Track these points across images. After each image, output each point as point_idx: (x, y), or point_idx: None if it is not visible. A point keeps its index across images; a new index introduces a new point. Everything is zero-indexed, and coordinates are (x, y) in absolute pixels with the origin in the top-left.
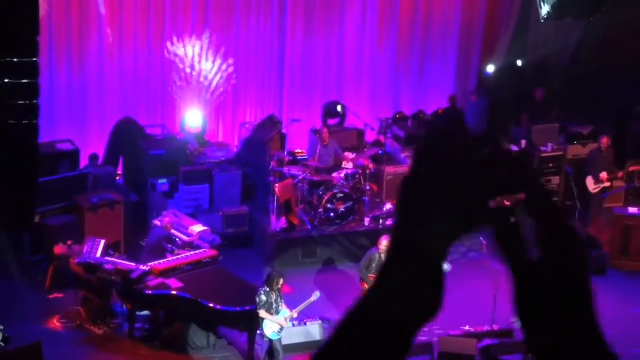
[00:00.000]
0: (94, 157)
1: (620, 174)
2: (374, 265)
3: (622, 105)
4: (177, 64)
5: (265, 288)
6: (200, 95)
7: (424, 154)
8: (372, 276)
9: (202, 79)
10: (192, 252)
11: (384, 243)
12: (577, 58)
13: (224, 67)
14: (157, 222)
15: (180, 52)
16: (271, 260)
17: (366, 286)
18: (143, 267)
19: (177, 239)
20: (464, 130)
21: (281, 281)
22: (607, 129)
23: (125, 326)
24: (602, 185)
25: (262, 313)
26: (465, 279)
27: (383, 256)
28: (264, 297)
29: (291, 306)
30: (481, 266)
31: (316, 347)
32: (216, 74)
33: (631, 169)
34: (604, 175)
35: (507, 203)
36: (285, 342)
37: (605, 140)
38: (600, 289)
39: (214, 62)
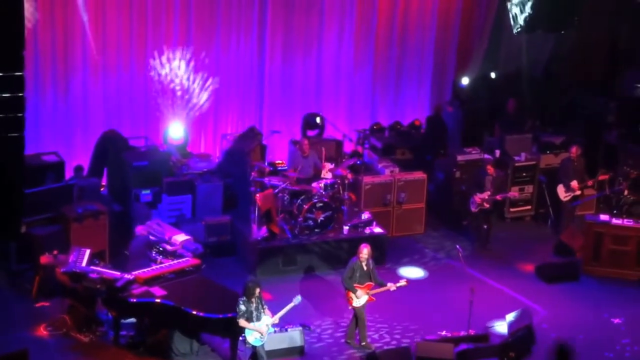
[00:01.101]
0: (78, 169)
1: (590, 182)
2: (357, 274)
3: (594, 115)
4: (160, 78)
5: (243, 298)
6: (182, 108)
7: None
8: (357, 285)
9: (184, 93)
10: (175, 261)
11: (365, 251)
12: (548, 70)
13: (206, 80)
14: (139, 232)
15: (163, 66)
16: (253, 269)
17: (351, 295)
18: (127, 276)
19: (160, 247)
20: None
21: (257, 290)
22: (579, 138)
23: (110, 334)
24: (572, 194)
25: (242, 322)
26: (442, 286)
27: (364, 264)
28: (242, 307)
29: (273, 312)
30: (458, 273)
31: (297, 353)
32: (198, 87)
33: (600, 177)
34: (574, 183)
35: (487, 206)
36: (266, 347)
37: (575, 150)
38: (573, 295)
39: (195, 75)
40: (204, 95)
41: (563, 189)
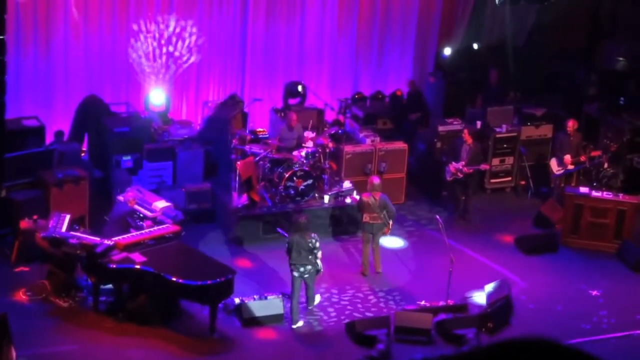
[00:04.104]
0: (59, 134)
1: (583, 158)
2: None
3: (575, 87)
4: (142, 44)
5: (315, 235)
6: (163, 74)
7: None
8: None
9: (165, 59)
10: (155, 227)
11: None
12: (531, 41)
13: (187, 47)
14: (120, 198)
15: (145, 31)
16: (233, 236)
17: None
18: (107, 242)
19: (141, 214)
20: None
21: None
22: (560, 110)
23: (89, 299)
24: (565, 168)
25: (320, 254)
26: (421, 255)
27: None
28: (318, 243)
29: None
30: (437, 243)
31: (277, 320)
32: (179, 53)
33: (593, 154)
34: (567, 158)
35: (461, 176)
36: (246, 315)
37: (571, 124)
38: (551, 267)
39: (177, 42)
40: (186, 62)
41: (556, 162)
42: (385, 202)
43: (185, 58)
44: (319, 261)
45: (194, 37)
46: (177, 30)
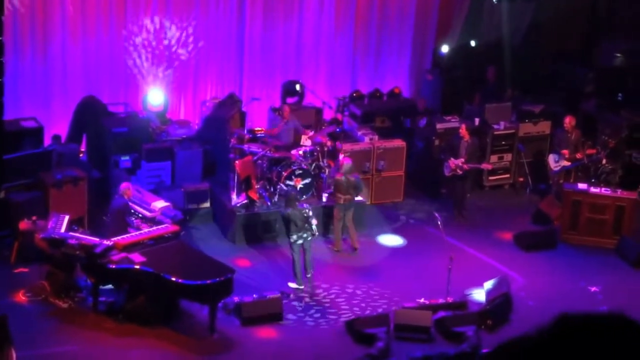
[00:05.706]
0: (56, 138)
1: (579, 155)
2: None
3: (573, 84)
4: (139, 43)
5: (307, 205)
6: (161, 74)
7: None
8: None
9: (163, 58)
10: (154, 227)
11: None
12: (528, 39)
13: (185, 46)
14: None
15: (142, 31)
16: (231, 235)
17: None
18: (106, 242)
19: (139, 214)
20: None
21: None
22: (558, 107)
23: (89, 300)
24: (562, 164)
25: (314, 221)
26: (420, 253)
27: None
28: (311, 212)
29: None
30: (436, 241)
31: (277, 319)
32: (177, 53)
33: (588, 151)
34: (564, 154)
35: (460, 172)
36: (245, 314)
37: (568, 120)
38: (550, 263)
39: (174, 41)
40: (183, 61)
41: (553, 159)
42: (358, 182)
43: (183, 55)
44: (314, 227)
45: (191, 37)
46: (174, 29)
